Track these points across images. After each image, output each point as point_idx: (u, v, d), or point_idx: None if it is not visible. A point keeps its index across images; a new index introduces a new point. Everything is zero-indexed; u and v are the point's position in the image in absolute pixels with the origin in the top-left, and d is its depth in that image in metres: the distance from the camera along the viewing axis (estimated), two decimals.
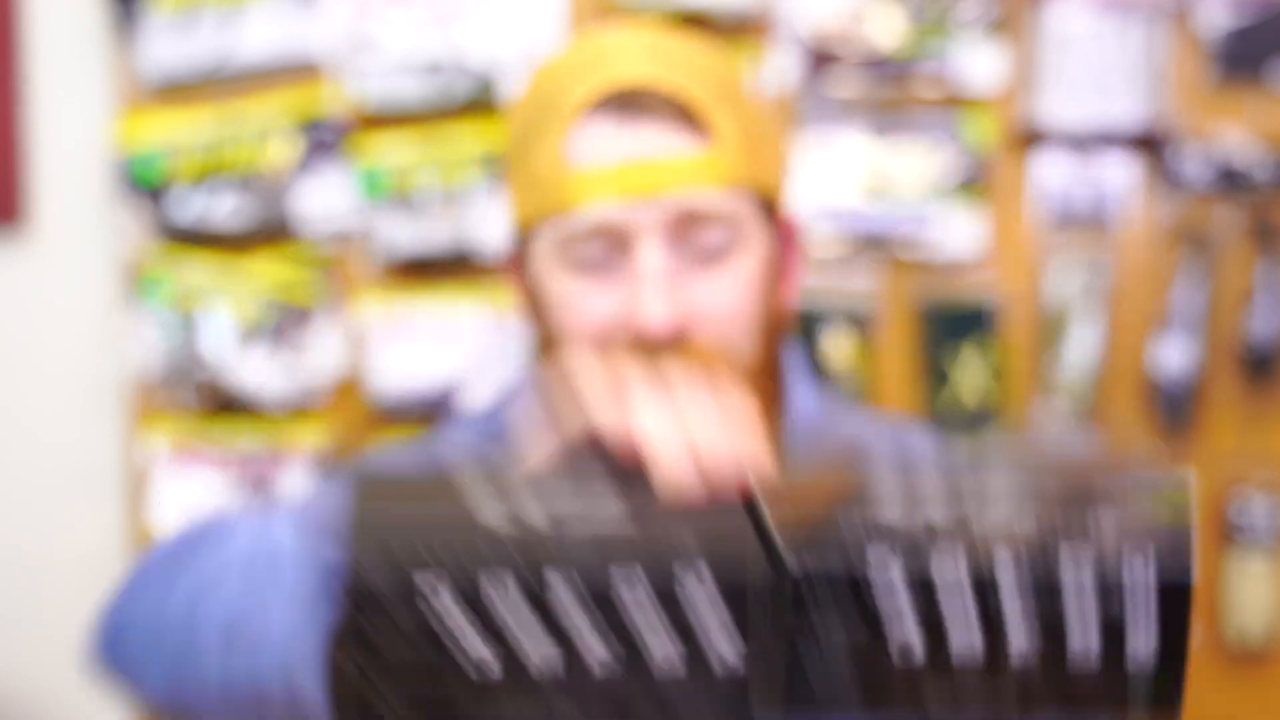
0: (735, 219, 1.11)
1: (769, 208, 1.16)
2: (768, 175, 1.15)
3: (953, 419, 2.39)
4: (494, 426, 1.25)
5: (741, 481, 0.85)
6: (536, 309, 1.15)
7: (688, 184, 1.07)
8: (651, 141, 1.07)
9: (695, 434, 0.87)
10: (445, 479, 0.82)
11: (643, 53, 1.09)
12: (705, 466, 0.86)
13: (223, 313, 2.37)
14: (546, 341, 1.14)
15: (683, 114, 1.08)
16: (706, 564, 0.79)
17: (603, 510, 0.82)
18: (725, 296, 1.10)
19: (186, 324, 2.37)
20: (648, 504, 0.84)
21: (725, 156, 1.09)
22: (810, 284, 2.41)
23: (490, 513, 0.80)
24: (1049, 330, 2.42)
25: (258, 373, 2.35)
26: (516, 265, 1.20)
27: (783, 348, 1.20)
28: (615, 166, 1.07)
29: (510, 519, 0.80)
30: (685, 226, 1.09)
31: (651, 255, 1.07)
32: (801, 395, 1.27)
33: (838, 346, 2.37)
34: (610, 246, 1.10)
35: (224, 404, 2.41)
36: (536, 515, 0.81)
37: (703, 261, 1.10)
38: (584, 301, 1.09)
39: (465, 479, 0.82)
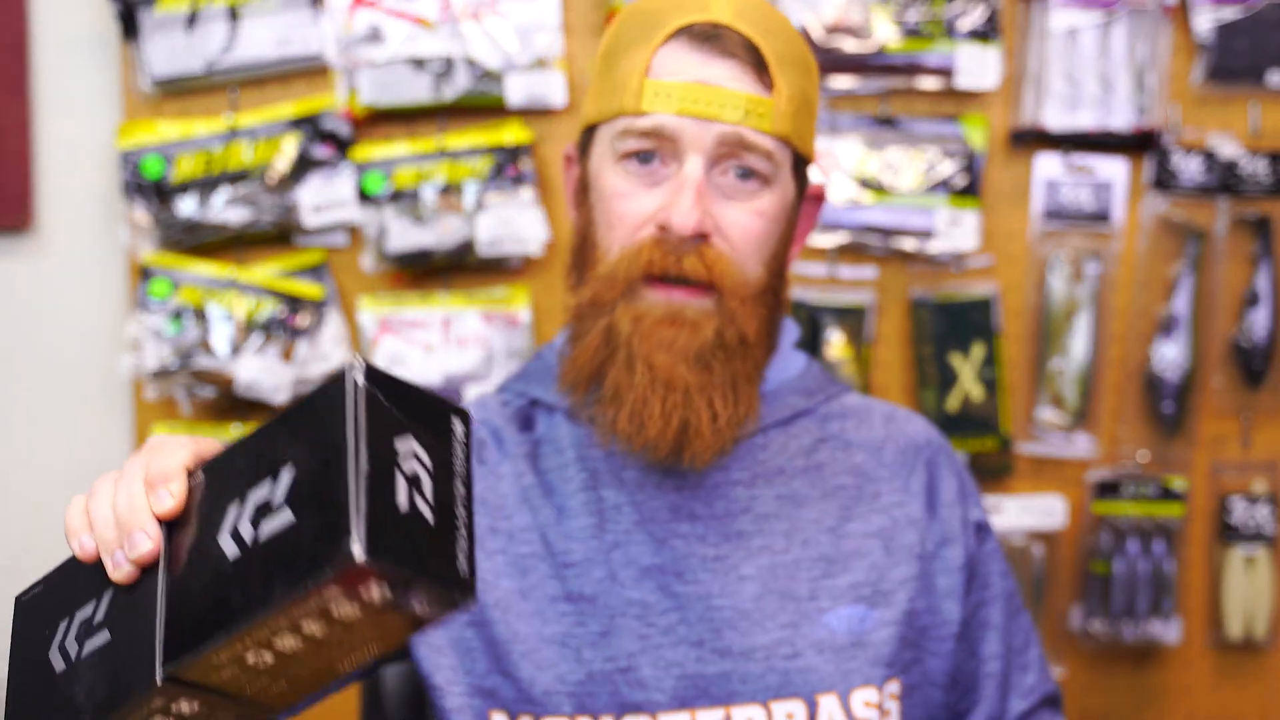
0: (776, 158, 1.25)
1: (801, 169, 1.30)
2: (807, 141, 1.29)
3: (951, 417, 2.39)
4: (529, 378, 1.37)
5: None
6: (584, 196, 1.29)
7: (741, 119, 1.22)
8: (721, 74, 1.23)
9: (107, 513, 0.91)
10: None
11: (739, 6, 1.25)
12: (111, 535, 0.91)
13: (226, 312, 2.37)
14: (585, 228, 1.28)
15: (754, 62, 1.24)
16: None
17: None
18: (747, 220, 1.24)
19: (190, 323, 2.37)
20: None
21: (779, 108, 1.24)
22: (810, 283, 2.41)
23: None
24: (1046, 329, 2.42)
25: (260, 371, 2.36)
26: (575, 158, 1.33)
27: (786, 292, 1.32)
28: (685, 85, 1.22)
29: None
30: (730, 153, 1.23)
31: (694, 167, 1.23)
32: (789, 360, 1.37)
33: (836, 344, 2.38)
34: (662, 152, 1.24)
35: (227, 402, 2.42)
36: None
37: (737, 188, 1.24)
38: (630, 198, 1.25)
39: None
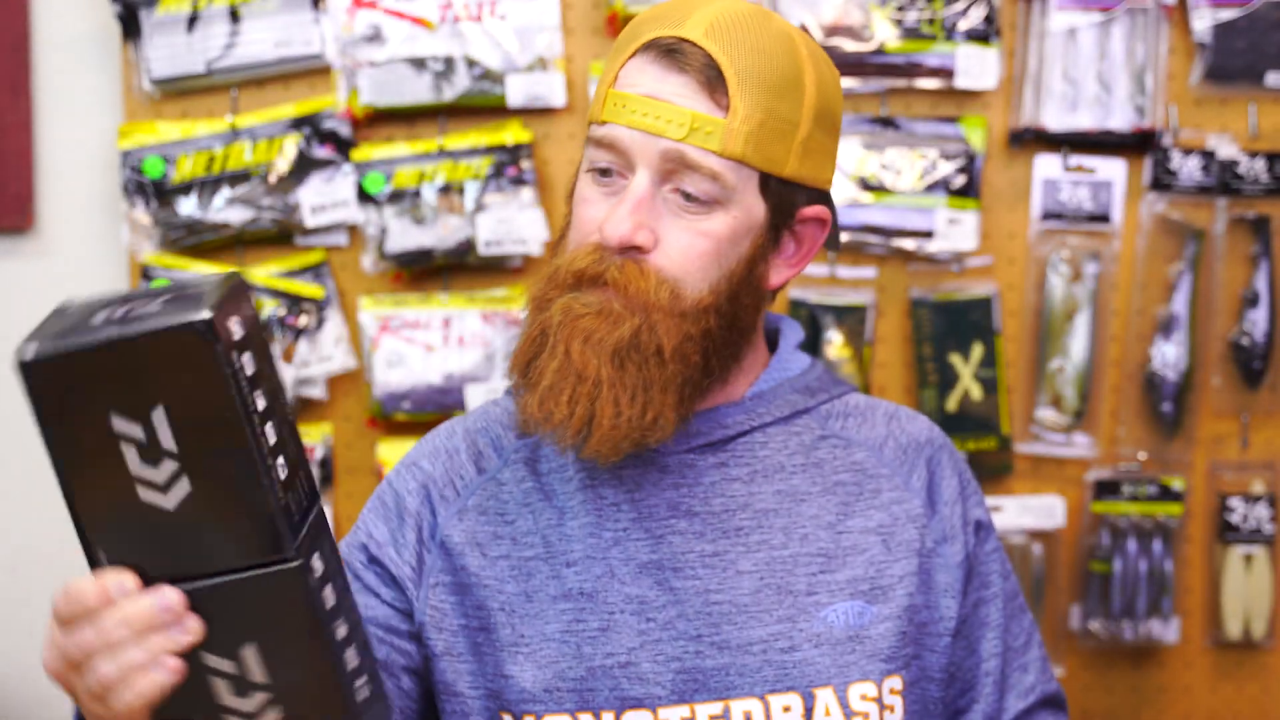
0: (723, 180, 1.24)
1: (781, 194, 1.28)
2: (780, 163, 1.27)
3: (951, 417, 2.39)
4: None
5: None
6: (569, 198, 1.32)
7: (684, 136, 1.23)
8: (672, 90, 1.24)
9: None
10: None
11: (716, 27, 1.25)
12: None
13: None
14: (564, 227, 1.32)
15: (708, 80, 1.23)
16: None
17: None
18: (690, 240, 1.25)
19: None
20: None
21: (732, 128, 1.23)
22: (810, 283, 2.42)
23: None
24: (1046, 329, 2.42)
25: None
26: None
27: (754, 310, 1.32)
28: (638, 98, 1.24)
29: None
30: (674, 170, 1.24)
31: (639, 182, 1.24)
32: (790, 360, 1.38)
33: (836, 344, 2.38)
34: (619, 165, 1.26)
35: None
36: None
37: (684, 206, 1.25)
38: (590, 204, 1.27)
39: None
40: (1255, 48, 2.37)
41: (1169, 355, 2.41)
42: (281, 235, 2.41)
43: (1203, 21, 2.36)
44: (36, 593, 2.52)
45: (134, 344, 0.92)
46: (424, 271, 2.41)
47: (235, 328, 0.93)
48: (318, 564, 0.99)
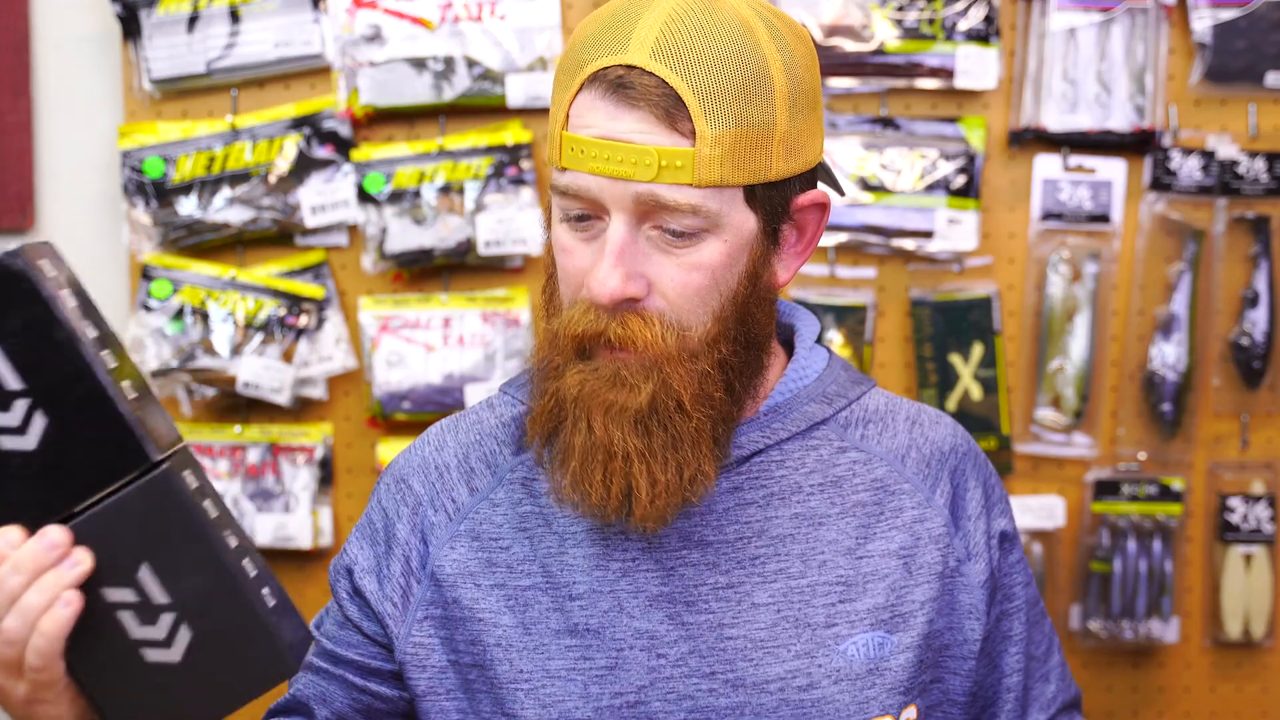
0: (704, 211, 1.16)
1: (771, 197, 1.20)
2: (761, 170, 1.18)
3: (952, 416, 2.39)
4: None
5: None
6: (547, 228, 1.25)
7: (658, 179, 1.14)
8: (630, 128, 1.14)
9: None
10: None
11: (663, 42, 1.15)
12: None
13: (226, 312, 2.38)
14: (550, 267, 1.24)
15: (667, 110, 1.14)
16: None
17: None
18: (683, 276, 1.17)
19: (191, 323, 2.37)
20: None
21: (705, 158, 1.14)
22: (810, 283, 2.42)
23: None
24: (1045, 329, 2.42)
25: (261, 371, 2.36)
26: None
27: (767, 319, 1.25)
28: (596, 142, 1.15)
29: None
30: (651, 211, 1.16)
31: (616, 230, 1.16)
32: (808, 361, 1.31)
33: (836, 344, 2.38)
34: (592, 208, 1.18)
35: (228, 402, 2.42)
36: None
37: (669, 242, 1.17)
38: (571, 254, 1.20)
39: None
40: (1255, 48, 2.37)
41: (1169, 355, 2.41)
42: (281, 235, 2.41)
43: (1202, 21, 2.36)
44: None
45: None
46: (424, 271, 2.41)
47: (49, 266, 0.96)
48: (190, 478, 1.00)
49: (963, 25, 2.35)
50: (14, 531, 0.99)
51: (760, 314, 1.22)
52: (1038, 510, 2.41)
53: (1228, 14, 2.36)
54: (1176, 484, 2.42)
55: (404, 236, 2.36)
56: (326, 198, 2.38)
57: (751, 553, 1.24)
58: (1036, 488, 2.44)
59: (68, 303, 0.96)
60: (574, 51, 1.18)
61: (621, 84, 1.14)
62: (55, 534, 0.98)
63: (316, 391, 2.41)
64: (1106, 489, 2.42)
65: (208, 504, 1.00)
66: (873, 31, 2.35)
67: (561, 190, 1.17)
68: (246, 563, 1.01)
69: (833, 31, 2.35)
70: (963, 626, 1.28)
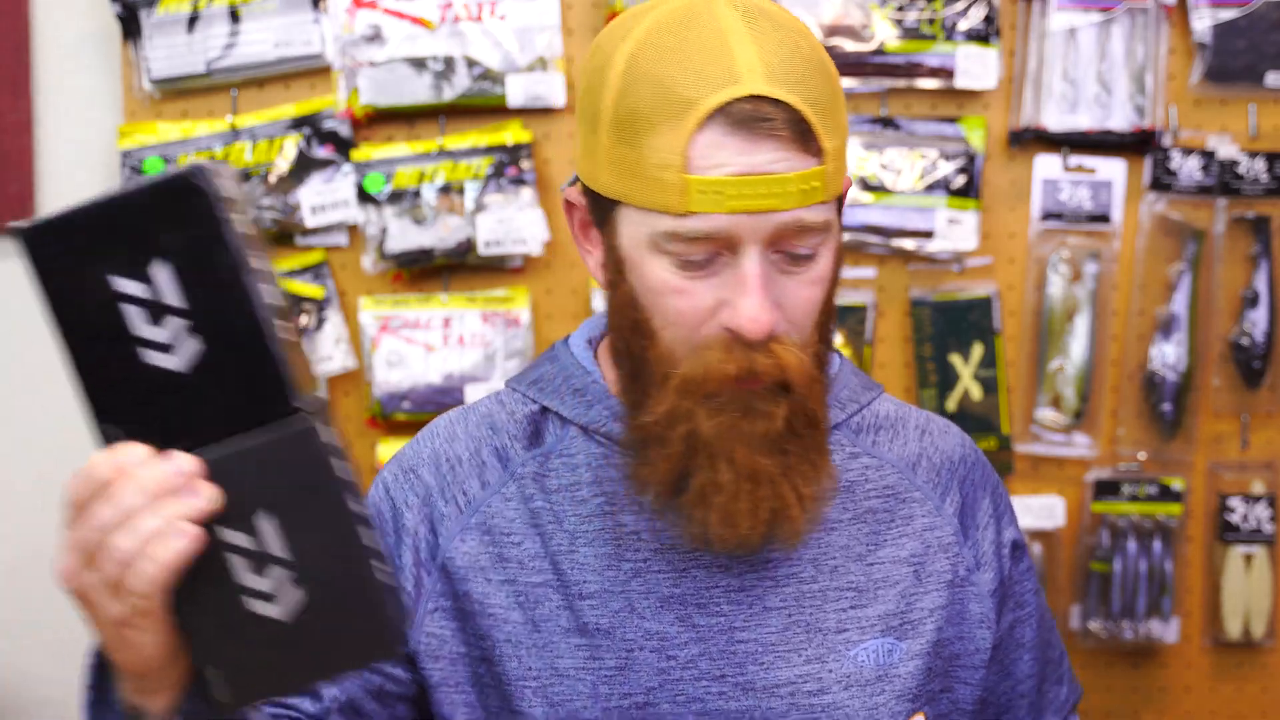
0: (830, 225, 1.17)
1: (841, 195, 1.22)
2: (847, 164, 1.21)
3: (951, 417, 2.39)
4: (550, 379, 1.31)
5: None
6: (620, 274, 1.20)
7: (799, 202, 1.13)
8: (769, 159, 1.12)
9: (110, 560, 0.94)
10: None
11: (768, 63, 1.14)
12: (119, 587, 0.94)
13: None
14: (631, 311, 1.20)
15: (800, 134, 1.13)
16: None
17: None
18: (806, 294, 1.17)
19: None
20: None
21: (830, 172, 1.15)
22: None
23: None
24: (1045, 329, 2.42)
25: None
26: (581, 207, 1.25)
27: (831, 338, 1.26)
28: (733, 181, 1.12)
29: None
30: (788, 237, 1.15)
31: (754, 263, 1.14)
32: (838, 364, 1.33)
33: (836, 344, 2.38)
34: (720, 245, 1.15)
35: None
36: None
37: (793, 262, 1.16)
38: (686, 295, 1.16)
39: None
40: (1255, 48, 2.37)
41: (1169, 355, 2.41)
42: (281, 235, 2.41)
43: (1203, 21, 2.36)
44: (36, 593, 2.52)
45: (129, 200, 0.91)
46: (424, 271, 2.41)
47: (227, 188, 0.92)
48: (327, 434, 0.96)
49: (963, 25, 2.35)
50: (141, 449, 0.95)
51: (834, 311, 1.24)
52: (1038, 510, 2.41)
53: (1228, 14, 2.36)
54: (1176, 484, 2.42)
55: (404, 236, 2.36)
56: (326, 198, 2.38)
57: (764, 557, 1.24)
58: (1036, 488, 2.44)
59: (240, 229, 0.92)
60: (669, 86, 1.14)
61: (753, 116, 1.12)
62: (184, 461, 0.93)
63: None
64: (1106, 489, 2.42)
65: (339, 464, 0.96)
66: (873, 31, 2.35)
67: (689, 236, 1.14)
68: (365, 533, 0.95)
69: (833, 31, 2.35)
70: (973, 636, 1.29)
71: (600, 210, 1.21)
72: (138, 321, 0.92)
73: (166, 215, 0.91)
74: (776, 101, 1.12)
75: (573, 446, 1.27)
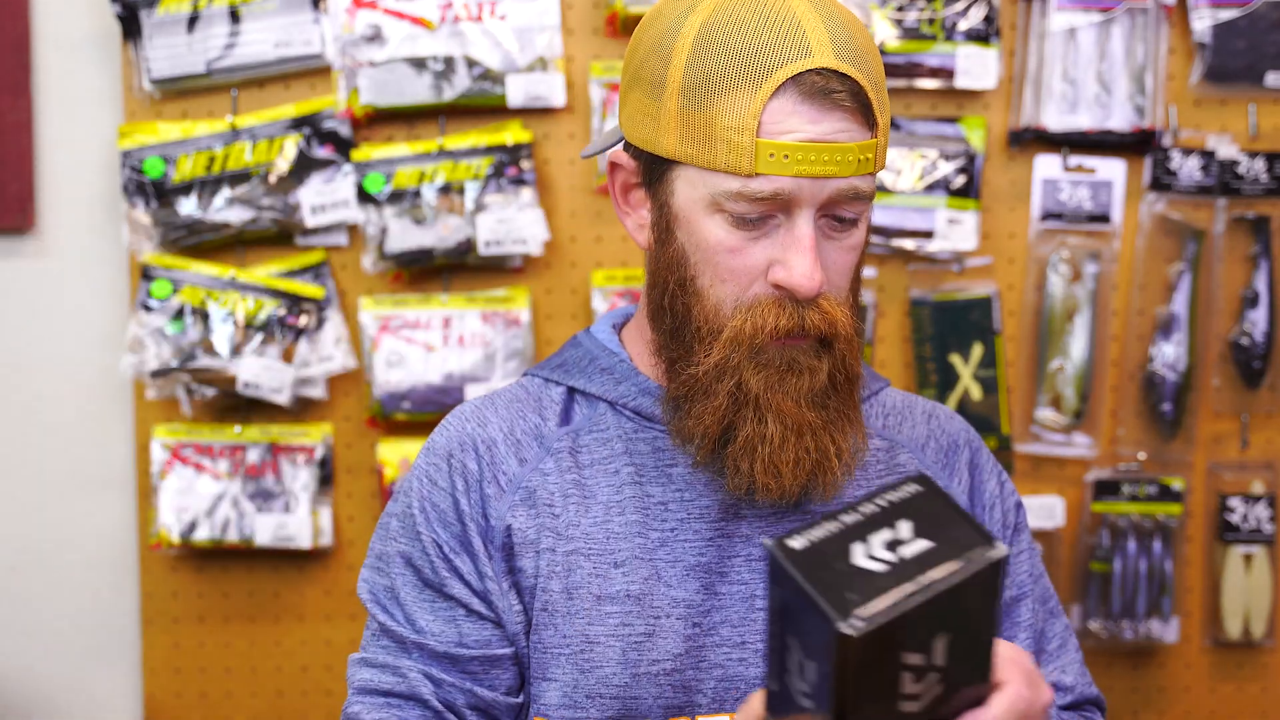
0: (873, 195, 1.25)
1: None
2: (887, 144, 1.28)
3: None
4: (590, 359, 1.36)
5: None
6: (668, 232, 1.26)
7: (855, 170, 1.21)
8: (834, 128, 1.20)
9: None
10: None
11: (835, 41, 1.21)
12: None
13: (226, 312, 2.38)
14: (679, 268, 1.26)
15: (862, 107, 1.21)
16: None
17: None
18: (845, 258, 1.26)
19: (191, 323, 2.37)
20: None
21: (881, 145, 1.24)
22: None
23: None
24: (1045, 329, 2.42)
25: (261, 371, 2.36)
26: (629, 168, 1.30)
27: (860, 287, 1.33)
28: (801, 146, 1.20)
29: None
30: (840, 203, 1.22)
31: (808, 225, 1.22)
32: None
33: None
34: (778, 207, 1.22)
35: (228, 402, 2.42)
36: None
37: (837, 228, 1.24)
38: (740, 253, 1.23)
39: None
40: (1255, 48, 2.37)
41: (1169, 355, 2.41)
42: (281, 235, 2.41)
43: (1202, 21, 2.37)
44: (37, 593, 2.52)
45: (949, 594, 0.96)
46: (424, 271, 2.41)
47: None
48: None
49: (963, 25, 2.35)
50: None
51: (861, 277, 1.32)
52: (1038, 510, 2.41)
53: (1228, 14, 2.36)
54: (1176, 484, 2.42)
55: (404, 236, 2.36)
56: (326, 198, 2.38)
57: (785, 527, 1.29)
58: (1036, 488, 2.44)
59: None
60: (743, 54, 1.21)
61: (824, 89, 1.19)
62: None
63: (316, 391, 2.41)
64: (1106, 489, 2.42)
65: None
66: (873, 31, 2.35)
67: (754, 196, 1.21)
68: (997, 620, 1.03)
69: None
70: None
71: (653, 172, 1.27)
72: (907, 682, 0.97)
73: (968, 597, 0.97)
74: (844, 76, 1.20)
75: (603, 422, 1.32)
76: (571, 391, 1.34)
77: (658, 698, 1.25)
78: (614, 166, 1.31)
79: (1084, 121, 2.38)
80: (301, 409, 2.43)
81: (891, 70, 2.36)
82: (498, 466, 1.31)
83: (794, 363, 1.23)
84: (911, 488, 1.01)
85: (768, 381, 1.23)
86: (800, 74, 1.19)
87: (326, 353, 2.40)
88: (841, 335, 1.24)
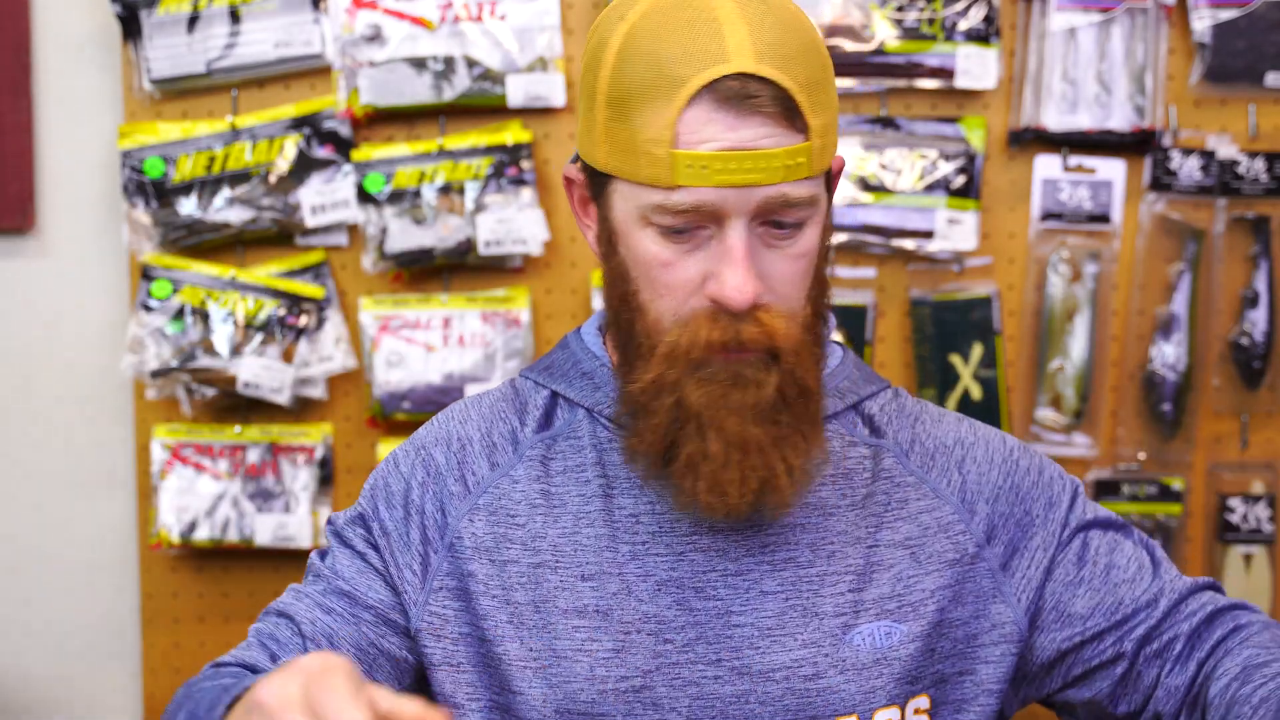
0: (815, 199, 1.20)
1: (829, 170, 1.24)
2: (835, 142, 1.23)
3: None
4: (553, 370, 1.33)
5: None
6: (612, 246, 1.24)
7: (783, 177, 1.16)
8: (755, 134, 1.16)
9: None
10: None
11: (758, 43, 1.17)
12: None
13: (226, 312, 2.38)
14: (623, 283, 1.23)
15: (786, 111, 1.16)
16: None
17: None
18: (790, 267, 1.20)
19: (191, 323, 2.37)
20: None
21: (816, 148, 1.18)
22: None
23: None
24: (1045, 330, 2.42)
25: (261, 371, 2.36)
26: (579, 183, 1.28)
27: (824, 315, 1.27)
28: (719, 155, 1.15)
29: None
30: (772, 209, 1.18)
31: (739, 235, 1.17)
32: (840, 356, 1.35)
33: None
34: (706, 218, 1.18)
35: (228, 402, 2.42)
36: None
37: (778, 235, 1.19)
38: (673, 267, 1.19)
39: None
40: (1255, 48, 2.38)
41: (1169, 355, 2.41)
42: (281, 235, 2.41)
43: (1202, 21, 2.37)
44: (37, 593, 2.52)
45: None
46: (424, 271, 2.41)
47: None
48: None
49: (963, 25, 2.35)
50: None
51: (827, 290, 1.26)
52: None
53: (1228, 14, 2.36)
54: (1176, 484, 2.42)
55: (404, 236, 2.36)
56: (326, 198, 2.38)
57: (761, 540, 1.25)
58: None
59: None
60: (660, 63, 1.17)
61: (740, 94, 1.15)
62: None
63: (316, 391, 2.41)
64: (1106, 489, 2.42)
65: None
66: (873, 31, 2.35)
67: (676, 209, 1.17)
68: None
69: (833, 31, 2.35)
70: (989, 612, 1.28)
71: (596, 185, 1.24)
72: None
73: None
74: (763, 79, 1.15)
75: (580, 429, 1.29)
76: (555, 395, 1.32)
77: (627, 715, 1.22)
78: (569, 181, 1.29)
79: (1084, 121, 2.38)
80: (301, 409, 2.44)
81: (891, 70, 2.36)
82: (467, 465, 1.29)
83: (739, 376, 1.19)
84: None
85: (710, 396, 1.19)
86: (715, 80, 1.15)
87: (326, 353, 2.40)
88: (786, 348, 1.19)
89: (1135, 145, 2.39)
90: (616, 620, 1.23)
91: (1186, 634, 1.27)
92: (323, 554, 1.32)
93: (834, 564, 1.25)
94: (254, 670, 1.21)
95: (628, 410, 1.23)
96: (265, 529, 2.38)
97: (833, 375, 1.32)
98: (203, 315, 2.38)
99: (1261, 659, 1.22)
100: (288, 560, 2.44)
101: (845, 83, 2.37)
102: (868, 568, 1.26)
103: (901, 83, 2.38)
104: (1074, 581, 1.30)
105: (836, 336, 2.37)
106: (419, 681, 1.30)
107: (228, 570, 2.46)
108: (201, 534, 2.39)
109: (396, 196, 2.37)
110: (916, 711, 1.26)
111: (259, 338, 2.37)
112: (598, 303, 2.38)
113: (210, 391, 2.39)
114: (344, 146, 2.38)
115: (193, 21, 2.37)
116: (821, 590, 1.25)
